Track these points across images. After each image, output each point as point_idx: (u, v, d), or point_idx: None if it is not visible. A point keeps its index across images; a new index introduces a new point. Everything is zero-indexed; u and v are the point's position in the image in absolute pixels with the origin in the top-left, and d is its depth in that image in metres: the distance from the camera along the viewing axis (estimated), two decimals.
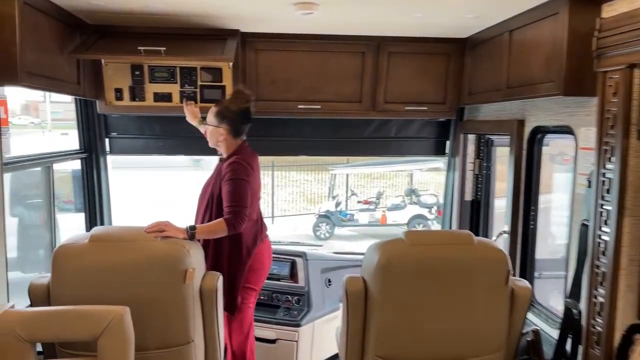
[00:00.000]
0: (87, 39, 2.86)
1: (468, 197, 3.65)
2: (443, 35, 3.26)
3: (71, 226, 4.17)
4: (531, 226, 2.85)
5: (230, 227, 2.56)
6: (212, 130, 2.81)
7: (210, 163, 3.20)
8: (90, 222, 3.53)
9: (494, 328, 2.25)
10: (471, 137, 3.59)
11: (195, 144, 3.50)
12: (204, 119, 2.96)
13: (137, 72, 3.12)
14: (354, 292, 2.22)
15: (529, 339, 2.43)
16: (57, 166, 3.28)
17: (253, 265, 2.83)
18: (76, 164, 3.52)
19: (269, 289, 3.44)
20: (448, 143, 3.78)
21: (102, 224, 3.54)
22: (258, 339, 3.15)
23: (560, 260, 3.61)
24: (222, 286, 2.62)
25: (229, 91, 3.14)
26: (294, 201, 14.42)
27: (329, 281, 3.58)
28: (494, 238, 3.07)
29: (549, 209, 3.44)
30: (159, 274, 2.19)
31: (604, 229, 2.13)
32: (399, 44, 3.29)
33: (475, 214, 3.63)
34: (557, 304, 2.83)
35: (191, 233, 2.39)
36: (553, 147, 2.77)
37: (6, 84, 2.23)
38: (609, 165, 2.10)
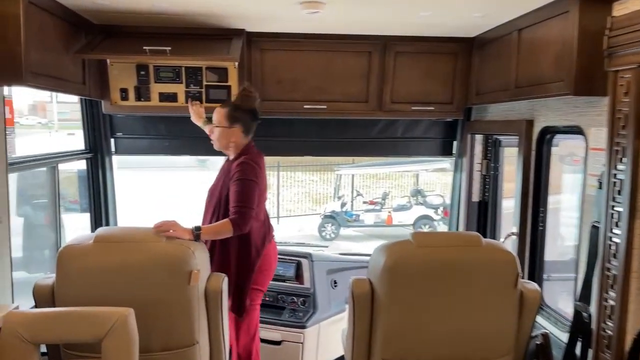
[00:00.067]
0: (92, 39, 2.85)
1: (475, 198, 3.62)
2: (450, 35, 3.23)
3: (77, 226, 4.17)
4: (540, 228, 2.81)
5: (236, 228, 2.54)
6: (223, 131, 2.75)
7: (215, 163, 3.19)
8: (96, 223, 3.52)
9: (502, 331, 2.22)
10: (479, 138, 3.56)
11: (200, 144, 3.49)
12: (209, 119, 2.94)
13: (142, 72, 3.11)
14: (361, 294, 2.19)
15: (538, 342, 2.38)
16: (63, 166, 3.28)
17: (261, 266, 2.82)
18: (82, 164, 3.52)
19: (274, 290, 3.41)
20: (455, 143, 3.75)
21: (107, 224, 3.54)
22: (263, 341, 3.13)
23: (569, 262, 3.57)
24: (229, 288, 2.62)
25: (234, 91, 3.13)
26: (300, 201, 14.40)
27: (335, 282, 3.55)
28: (502, 240, 3.03)
29: (558, 210, 3.41)
30: (163, 275, 2.18)
31: (615, 231, 2.09)
32: (405, 44, 3.26)
33: (483, 215, 3.60)
34: (565, 306, 2.80)
35: (197, 234, 2.38)
36: (562, 148, 2.73)
37: (11, 84, 2.23)
38: (620, 166, 2.06)
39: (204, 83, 3.16)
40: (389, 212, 12.64)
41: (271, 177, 12.53)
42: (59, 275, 2.17)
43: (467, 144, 3.58)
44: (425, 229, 12.15)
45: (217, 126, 2.77)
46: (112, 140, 3.54)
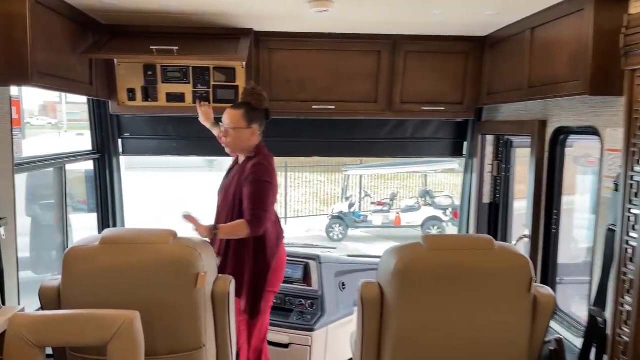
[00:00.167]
0: (99, 39, 2.84)
1: (486, 199, 3.57)
2: (461, 34, 3.19)
3: (84, 226, 4.17)
4: (553, 230, 2.75)
5: (252, 230, 2.55)
6: (241, 132, 2.69)
7: (223, 164, 3.16)
8: (103, 223, 3.52)
9: (515, 337, 2.17)
10: (489, 138, 3.51)
11: (208, 145, 3.47)
12: (217, 120, 2.91)
13: (149, 72, 3.09)
14: (370, 298, 2.15)
15: (551, 348, 2.33)
16: (73, 166, 3.27)
17: (274, 267, 2.80)
18: (90, 165, 3.51)
19: (282, 292, 3.38)
20: (465, 144, 3.70)
21: (114, 225, 3.53)
22: (271, 343, 3.11)
23: (581, 265, 3.52)
24: (244, 290, 2.62)
25: (242, 91, 3.10)
26: (307, 202, 14.37)
27: (343, 285, 3.51)
28: (514, 242, 2.98)
29: (570, 211, 3.35)
30: (170, 277, 2.15)
31: (632, 234, 2.04)
32: (415, 43, 3.22)
33: (494, 217, 3.54)
34: (577, 310, 2.76)
35: (214, 232, 2.42)
36: (577, 149, 2.67)
37: (17, 84, 2.21)
38: (637, 168, 2.01)
39: (212, 83, 3.14)
40: (397, 213, 12.58)
41: (279, 178, 12.44)
42: (64, 277, 2.15)
43: (478, 144, 3.53)
44: (434, 230, 12.09)
45: (234, 128, 2.70)
46: (120, 141, 3.54)
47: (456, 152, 3.76)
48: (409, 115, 3.43)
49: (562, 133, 2.67)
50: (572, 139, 2.71)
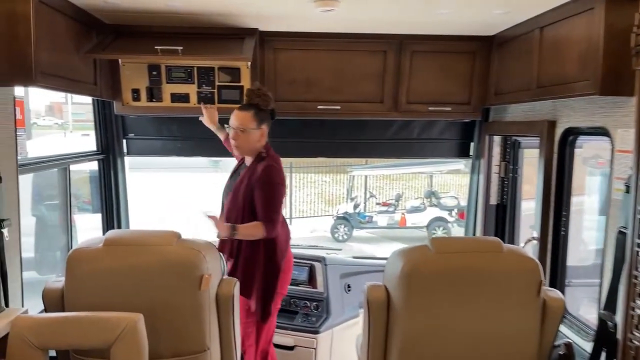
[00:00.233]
0: (104, 39, 2.83)
1: (493, 201, 3.53)
2: (468, 33, 3.16)
3: (89, 226, 4.16)
4: (562, 233, 2.71)
5: (267, 232, 2.59)
6: (252, 133, 2.67)
7: (228, 164, 3.14)
8: (107, 224, 3.50)
9: (524, 341, 2.13)
10: (497, 139, 3.47)
11: (213, 146, 3.46)
12: (221, 123, 2.88)
13: (154, 73, 3.08)
14: (376, 301, 2.12)
15: (561, 352, 2.29)
16: (78, 166, 3.26)
17: (284, 268, 2.80)
18: (94, 165, 3.50)
19: (287, 294, 3.35)
20: (472, 145, 3.66)
21: (119, 225, 3.52)
22: (276, 346, 3.08)
23: (590, 267, 3.47)
24: (254, 292, 2.62)
25: (246, 93, 3.07)
26: (312, 202, 14.35)
27: (349, 287, 3.49)
28: (521, 245, 2.94)
29: (578, 212, 3.31)
30: (174, 280, 2.13)
31: None
32: (422, 43, 3.19)
33: (501, 219, 3.50)
34: (586, 312, 2.72)
35: (233, 232, 2.46)
36: (587, 150, 2.63)
37: (21, 84, 2.20)
38: None
39: (217, 83, 3.12)
40: (403, 213, 12.54)
41: None
42: (68, 279, 2.14)
43: (485, 145, 3.49)
44: (440, 231, 12.05)
45: (244, 129, 2.67)
46: (124, 142, 3.52)
47: (463, 152, 3.72)
48: (415, 115, 3.40)
49: (572, 134, 2.63)
50: (582, 139, 2.66)
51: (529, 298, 2.09)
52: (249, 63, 3.04)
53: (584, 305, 2.91)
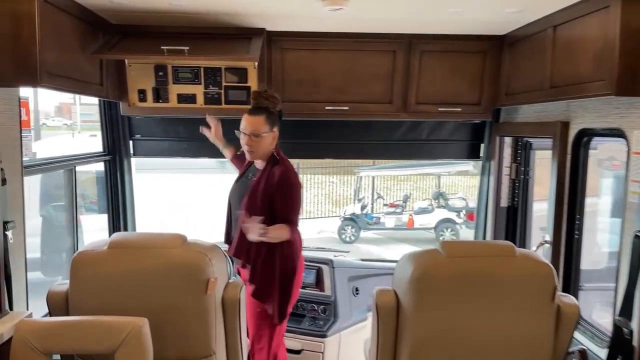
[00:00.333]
0: (110, 39, 2.80)
1: (504, 203, 3.47)
2: (479, 33, 3.11)
3: (96, 227, 4.15)
4: (576, 236, 2.65)
5: (291, 234, 2.61)
6: (264, 138, 2.62)
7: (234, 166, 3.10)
8: (114, 225, 3.49)
9: (537, 348, 2.08)
10: (508, 140, 3.42)
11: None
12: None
13: (160, 73, 3.06)
14: (385, 306, 2.08)
15: (574, 359, 2.24)
16: (86, 167, 3.23)
17: (298, 269, 2.79)
18: (100, 165, 3.49)
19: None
20: (483, 146, 3.60)
21: (125, 226, 3.50)
22: None
23: (603, 270, 3.41)
24: (272, 294, 2.58)
25: (252, 95, 3.04)
26: (319, 203, 14.32)
27: (357, 290, 3.44)
28: (533, 248, 2.88)
29: (590, 214, 3.24)
30: (179, 283, 2.10)
31: None
32: (431, 42, 3.14)
33: (512, 222, 3.45)
34: (598, 317, 2.67)
35: (265, 234, 2.44)
36: (601, 151, 2.56)
37: (26, 84, 2.17)
38: None
39: (223, 84, 3.09)
40: (410, 215, 12.47)
41: None
42: (72, 282, 2.12)
43: (496, 146, 3.44)
44: (448, 233, 11.97)
45: (258, 134, 2.61)
46: (131, 143, 3.50)
47: (473, 154, 3.67)
48: (424, 116, 3.35)
49: (586, 135, 2.57)
50: (596, 141, 2.60)
51: (542, 304, 2.04)
52: (256, 63, 3.01)
53: (597, 309, 2.86)
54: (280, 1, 2.49)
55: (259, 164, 2.74)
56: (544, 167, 3.50)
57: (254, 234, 2.42)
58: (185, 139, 3.56)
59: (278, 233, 2.55)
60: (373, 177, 13.67)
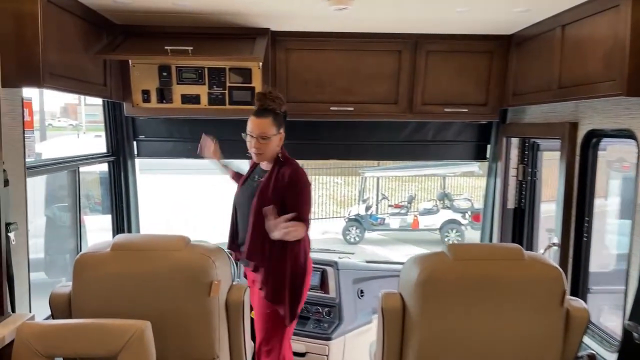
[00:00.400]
0: (113, 39, 2.79)
1: (511, 205, 3.43)
2: (486, 32, 3.08)
3: (100, 227, 4.14)
4: (584, 239, 2.61)
5: (306, 232, 2.61)
6: (272, 140, 2.60)
7: (239, 167, 3.08)
8: (117, 226, 3.47)
9: (546, 352, 2.05)
10: (514, 141, 3.38)
11: (225, 148, 3.40)
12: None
13: (164, 74, 3.04)
14: (391, 310, 2.05)
15: None
16: (91, 167, 3.21)
17: (307, 270, 2.76)
18: (104, 166, 3.47)
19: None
20: (489, 147, 3.57)
21: (129, 227, 3.48)
22: None
23: (612, 273, 3.36)
24: (284, 295, 2.55)
25: (256, 97, 3.01)
26: (324, 204, 14.28)
27: (362, 292, 3.41)
28: (541, 251, 2.84)
29: (598, 216, 3.21)
30: (182, 286, 2.08)
31: None
32: (438, 42, 3.11)
33: (519, 224, 3.40)
34: (606, 320, 2.64)
35: (287, 232, 2.43)
36: (610, 152, 2.53)
37: (29, 85, 2.15)
38: None
39: (228, 84, 3.07)
40: (415, 215, 12.43)
41: None
42: (75, 284, 2.10)
43: (503, 147, 3.40)
44: (453, 234, 11.92)
45: (266, 136, 2.58)
46: (135, 143, 3.49)
47: (479, 155, 3.63)
48: (430, 117, 3.32)
49: (595, 136, 2.53)
50: (605, 142, 2.57)
51: (551, 308, 2.00)
52: (261, 64, 2.99)
53: (604, 312, 2.82)
54: (284, 0, 2.47)
55: (265, 166, 2.71)
56: (549, 167, 3.46)
57: (279, 231, 2.40)
58: (189, 140, 3.54)
59: (298, 231, 2.53)
60: (378, 178, 13.62)
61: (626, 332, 2.13)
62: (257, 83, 3.05)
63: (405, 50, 3.13)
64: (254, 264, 2.62)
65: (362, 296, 3.40)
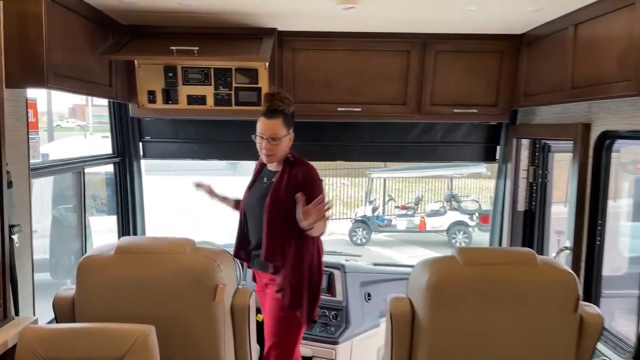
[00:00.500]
0: (119, 40, 2.77)
1: (521, 207, 3.37)
2: (496, 32, 3.02)
3: (105, 228, 4.13)
4: (597, 243, 2.55)
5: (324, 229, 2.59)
6: (283, 141, 2.57)
7: (246, 167, 3.06)
8: (123, 227, 3.45)
9: (559, 359, 1.99)
10: (525, 142, 3.32)
11: (231, 148, 3.37)
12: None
13: (170, 74, 3.01)
14: (399, 315, 2.01)
15: None
16: (97, 168, 3.19)
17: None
18: (110, 167, 3.46)
19: None
20: (499, 148, 3.51)
21: (134, 229, 3.46)
22: None
23: (624, 276, 3.30)
24: (302, 297, 2.51)
25: (264, 98, 2.98)
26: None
27: (369, 295, 3.36)
28: (552, 255, 2.79)
29: (611, 218, 3.15)
30: (187, 289, 2.05)
31: None
32: (447, 42, 3.06)
33: (529, 226, 3.35)
34: (617, 324, 2.61)
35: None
36: (624, 154, 2.47)
37: (33, 86, 2.14)
38: None
39: (234, 85, 3.04)
40: (422, 217, 12.36)
41: None
42: (78, 288, 2.07)
43: (513, 149, 3.34)
44: (460, 235, 11.84)
45: (277, 137, 2.54)
46: (140, 144, 3.46)
47: (489, 156, 3.57)
48: (439, 118, 3.27)
49: (608, 137, 2.47)
50: (619, 143, 2.51)
51: (565, 314, 1.95)
52: (267, 64, 2.95)
53: (616, 317, 2.77)
54: (291, 0, 2.43)
55: (273, 167, 2.67)
56: (560, 169, 3.41)
57: (313, 216, 2.39)
58: (195, 141, 3.52)
59: (322, 226, 2.53)
60: (384, 179, 13.57)
61: None
62: (263, 84, 3.02)
63: (413, 50, 3.08)
64: (273, 266, 2.56)
65: (369, 299, 3.36)
